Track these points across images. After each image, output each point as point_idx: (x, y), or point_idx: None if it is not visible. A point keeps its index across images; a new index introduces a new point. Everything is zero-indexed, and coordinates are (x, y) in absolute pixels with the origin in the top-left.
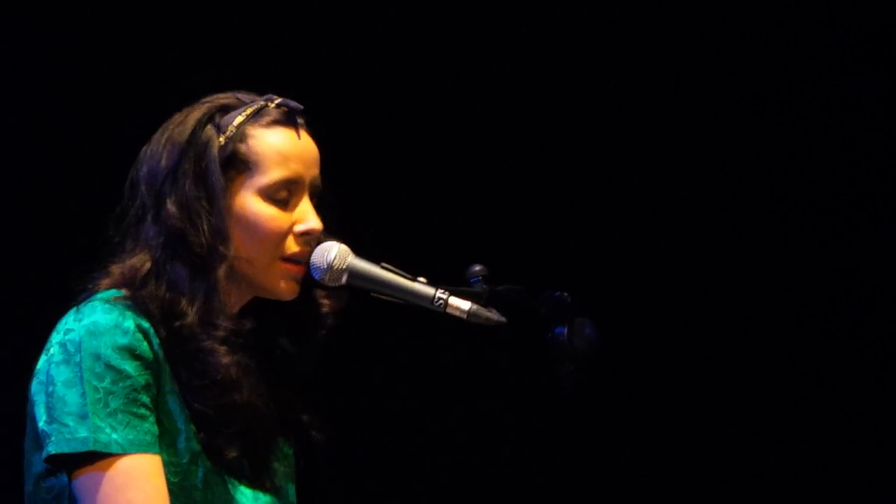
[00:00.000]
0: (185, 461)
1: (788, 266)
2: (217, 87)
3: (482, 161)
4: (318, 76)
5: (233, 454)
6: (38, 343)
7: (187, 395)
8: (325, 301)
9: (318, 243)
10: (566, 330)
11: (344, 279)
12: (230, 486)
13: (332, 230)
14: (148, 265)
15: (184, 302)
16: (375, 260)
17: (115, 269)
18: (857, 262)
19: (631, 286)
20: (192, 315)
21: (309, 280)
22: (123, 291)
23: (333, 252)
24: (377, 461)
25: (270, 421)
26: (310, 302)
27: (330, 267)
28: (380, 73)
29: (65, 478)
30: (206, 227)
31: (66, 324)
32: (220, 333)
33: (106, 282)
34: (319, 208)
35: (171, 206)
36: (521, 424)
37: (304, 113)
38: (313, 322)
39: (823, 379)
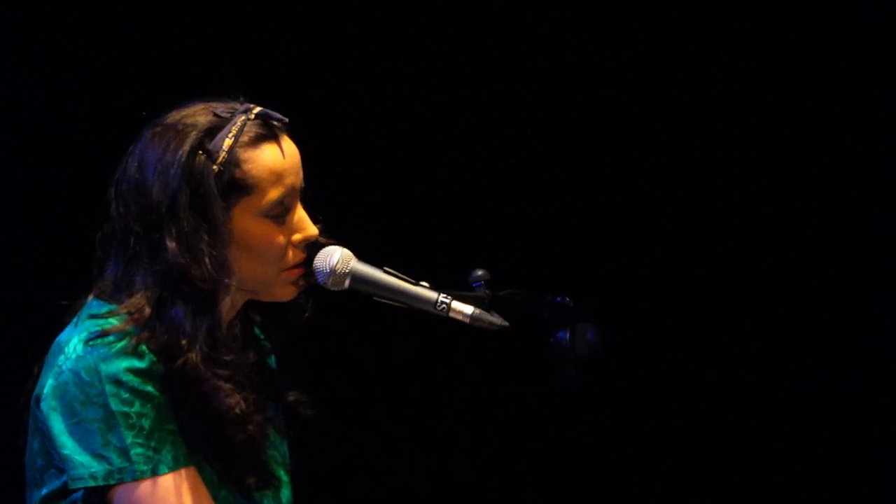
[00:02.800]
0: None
1: (789, 268)
2: (212, 87)
3: (485, 165)
4: (320, 79)
5: (252, 479)
6: (38, 343)
7: (198, 430)
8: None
9: (321, 247)
10: (568, 334)
11: (347, 283)
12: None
13: (334, 234)
14: (147, 310)
15: (184, 342)
16: (378, 264)
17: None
18: (858, 261)
19: (633, 291)
20: (193, 354)
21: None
22: (124, 315)
23: (336, 256)
24: (374, 462)
25: (275, 429)
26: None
27: (333, 271)
28: (383, 76)
29: (77, 495)
30: (208, 260)
31: (73, 348)
32: (224, 372)
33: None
34: (307, 206)
35: (170, 242)
36: (521, 428)
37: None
38: (292, 309)
39: (823, 379)
